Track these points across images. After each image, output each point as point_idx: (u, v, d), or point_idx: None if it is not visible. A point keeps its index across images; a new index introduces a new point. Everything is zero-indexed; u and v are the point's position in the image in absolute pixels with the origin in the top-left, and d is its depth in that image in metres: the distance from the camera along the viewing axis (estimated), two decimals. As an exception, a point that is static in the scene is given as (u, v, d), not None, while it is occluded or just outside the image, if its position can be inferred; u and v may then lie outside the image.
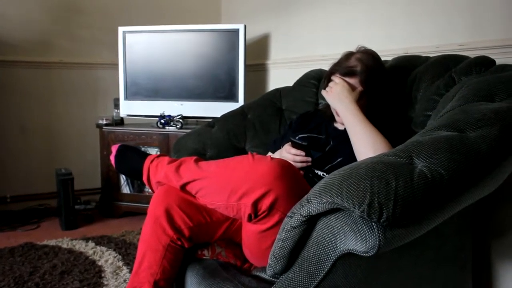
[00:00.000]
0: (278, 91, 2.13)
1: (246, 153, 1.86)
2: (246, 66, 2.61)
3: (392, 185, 0.81)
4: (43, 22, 2.87)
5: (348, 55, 1.49)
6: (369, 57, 1.46)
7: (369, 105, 1.46)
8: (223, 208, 1.16)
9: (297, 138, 1.52)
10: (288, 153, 1.41)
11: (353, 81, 1.43)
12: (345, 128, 1.51)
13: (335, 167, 1.23)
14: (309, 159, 1.40)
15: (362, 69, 1.43)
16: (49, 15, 2.88)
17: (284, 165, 1.08)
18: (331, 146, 1.46)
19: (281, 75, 2.79)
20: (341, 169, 0.91)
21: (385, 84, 1.48)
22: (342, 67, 1.46)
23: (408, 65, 1.65)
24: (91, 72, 3.05)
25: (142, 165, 1.37)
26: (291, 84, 2.13)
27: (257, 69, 2.96)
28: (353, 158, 1.30)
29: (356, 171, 0.86)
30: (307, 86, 2.00)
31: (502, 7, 1.55)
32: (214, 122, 2.02)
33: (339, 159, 1.39)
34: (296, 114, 1.91)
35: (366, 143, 1.28)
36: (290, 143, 1.43)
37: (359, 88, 1.43)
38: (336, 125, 1.56)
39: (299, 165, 1.39)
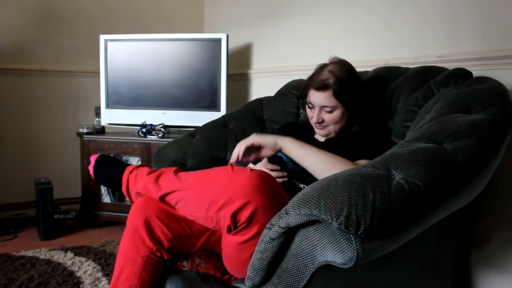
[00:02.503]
0: (259, 101, 2.13)
1: (227, 163, 1.85)
2: (228, 75, 2.62)
3: (370, 197, 0.82)
4: (24, 29, 2.83)
5: (321, 68, 1.50)
6: (341, 68, 1.47)
7: (348, 117, 1.47)
8: (202, 219, 1.16)
9: None
10: (264, 167, 1.41)
11: (326, 94, 1.44)
12: (326, 140, 1.52)
13: (316, 179, 1.23)
14: (285, 173, 1.40)
15: (335, 81, 1.43)
16: (29, 22, 2.85)
17: (263, 176, 1.08)
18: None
19: (263, 85, 2.81)
20: (320, 181, 0.91)
21: (359, 94, 1.49)
22: (315, 81, 1.46)
23: (388, 76, 1.67)
24: (72, 80, 3.02)
25: (121, 175, 1.36)
26: (273, 93, 2.14)
27: (239, 78, 2.97)
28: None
29: (334, 183, 0.86)
30: (288, 96, 2.01)
31: (478, 20, 1.58)
32: (195, 131, 2.02)
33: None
34: (277, 124, 1.92)
35: (325, 169, 1.24)
36: (266, 158, 1.42)
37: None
38: (316, 137, 1.57)
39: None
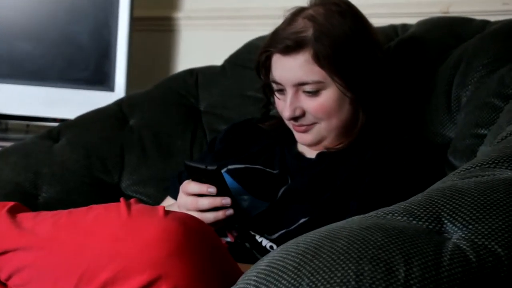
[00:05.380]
0: (193, 74, 2.15)
1: (120, 194, 1.85)
2: (132, 20, 2.62)
3: (399, 274, 0.82)
4: None
5: (294, 14, 1.53)
6: (329, 10, 1.50)
7: (353, 103, 1.49)
8: (64, 309, 1.14)
9: (227, 168, 1.52)
10: (185, 194, 1.41)
11: (301, 58, 1.46)
12: (318, 156, 1.53)
13: (294, 234, 1.23)
14: (228, 201, 1.37)
15: (316, 34, 1.45)
16: None
17: (188, 225, 1.08)
18: (287, 189, 1.48)
19: (202, 43, 2.83)
20: (303, 237, 0.91)
21: (368, 59, 1.51)
22: (281, 38, 1.49)
23: (447, 36, 1.70)
24: None
25: None
26: (219, 61, 2.15)
27: (154, 27, 2.98)
28: (329, 219, 1.28)
29: (331, 244, 0.86)
30: (249, 68, 2.01)
31: None
32: (61, 130, 2.01)
33: (302, 220, 1.40)
34: (225, 121, 1.93)
35: None
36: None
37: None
38: (301, 149, 1.59)
39: (211, 218, 1.36)
